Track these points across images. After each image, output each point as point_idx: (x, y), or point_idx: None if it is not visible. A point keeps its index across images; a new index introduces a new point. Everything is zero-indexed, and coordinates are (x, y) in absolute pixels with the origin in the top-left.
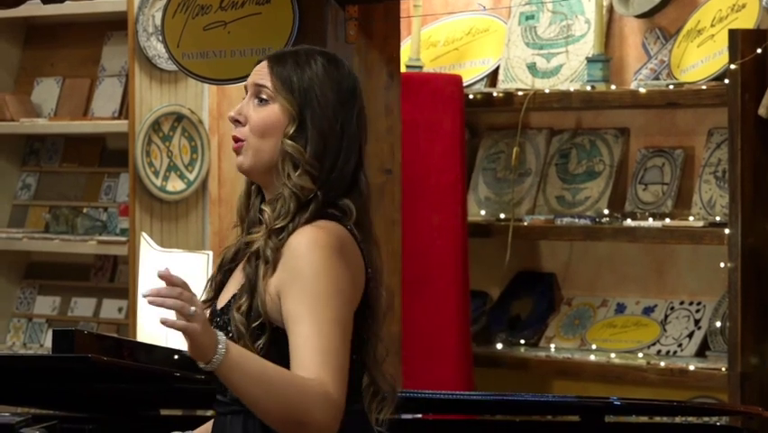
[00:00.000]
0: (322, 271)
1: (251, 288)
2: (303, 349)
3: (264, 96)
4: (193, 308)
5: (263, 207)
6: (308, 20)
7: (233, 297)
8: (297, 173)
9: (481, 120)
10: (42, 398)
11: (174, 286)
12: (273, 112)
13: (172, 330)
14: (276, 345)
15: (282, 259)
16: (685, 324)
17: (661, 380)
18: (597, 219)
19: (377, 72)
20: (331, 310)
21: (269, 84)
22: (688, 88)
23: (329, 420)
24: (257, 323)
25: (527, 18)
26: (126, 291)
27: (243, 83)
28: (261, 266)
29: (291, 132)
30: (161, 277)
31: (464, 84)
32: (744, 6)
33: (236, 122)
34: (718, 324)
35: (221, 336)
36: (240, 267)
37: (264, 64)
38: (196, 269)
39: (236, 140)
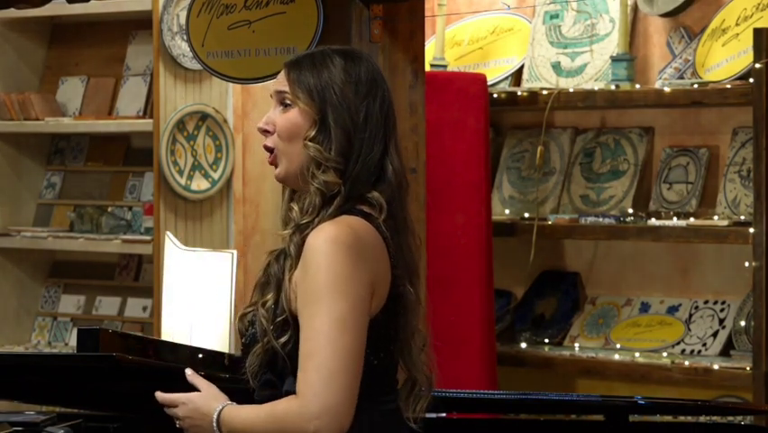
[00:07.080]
0: (330, 271)
1: (277, 283)
2: (300, 353)
3: (287, 101)
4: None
5: (292, 204)
6: (333, 19)
7: (261, 294)
8: (320, 171)
9: (506, 119)
10: (67, 396)
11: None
12: (295, 115)
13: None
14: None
15: (302, 254)
16: (709, 323)
17: (685, 379)
18: (621, 218)
19: (401, 71)
20: (330, 313)
21: (287, 89)
22: (712, 87)
23: (311, 429)
24: (281, 318)
25: (552, 17)
26: (151, 290)
27: (268, 82)
28: (287, 262)
29: (312, 134)
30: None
31: (489, 83)
32: None
33: (265, 132)
34: (743, 323)
35: (218, 408)
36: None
37: (283, 71)
38: (220, 268)
39: (268, 150)
